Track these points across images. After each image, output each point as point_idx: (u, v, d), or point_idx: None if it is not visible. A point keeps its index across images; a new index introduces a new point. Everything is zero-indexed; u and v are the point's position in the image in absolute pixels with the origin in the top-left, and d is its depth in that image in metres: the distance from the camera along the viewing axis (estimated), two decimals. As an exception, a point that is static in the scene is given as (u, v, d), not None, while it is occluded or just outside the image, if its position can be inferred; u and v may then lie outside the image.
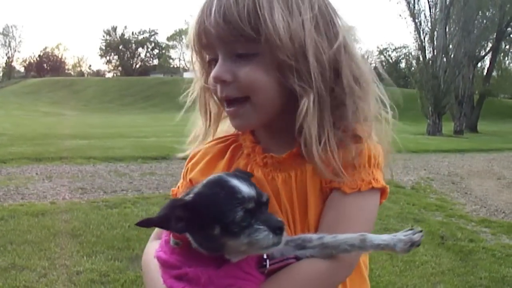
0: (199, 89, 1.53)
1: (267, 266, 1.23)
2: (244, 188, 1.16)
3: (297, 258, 1.26)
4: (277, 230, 1.14)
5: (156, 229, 1.50)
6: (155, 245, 1.37)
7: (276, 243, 1.14)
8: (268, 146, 1.45)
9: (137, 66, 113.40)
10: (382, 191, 1.40)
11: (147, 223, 1.15)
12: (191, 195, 1.18)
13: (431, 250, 6.52)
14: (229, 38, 1.29)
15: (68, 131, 20.98)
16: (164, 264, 1.24)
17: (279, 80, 1.32)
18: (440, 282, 5.48)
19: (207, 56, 1.43)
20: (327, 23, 1.36)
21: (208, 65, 1.44)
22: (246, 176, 1.23)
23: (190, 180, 1.48)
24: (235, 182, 1.17)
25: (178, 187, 1.56)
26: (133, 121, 34.13)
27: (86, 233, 6.51)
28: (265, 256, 1.23)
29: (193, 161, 1.53)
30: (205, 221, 1.14)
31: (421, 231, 1.20)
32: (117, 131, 22.71)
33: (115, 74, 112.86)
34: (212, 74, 1.35)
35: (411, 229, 1.21)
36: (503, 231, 7.75)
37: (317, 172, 1.34)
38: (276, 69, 1.31)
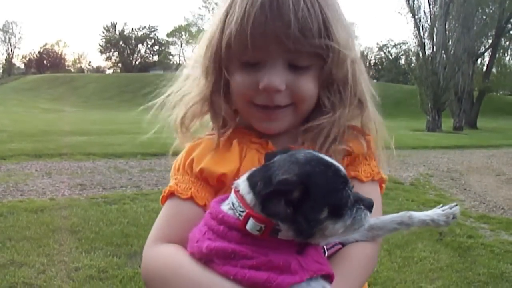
0: (206, 89, 1.44)
1: (326, 252, 1.22)
2: (341, 166, 1.11)
3: (342, 244, 1.28)
4: (371, 208, 1.13)
5: (157, 231, 1.33)
6: (166, 247, 1.26)
7: (368, 222, 1.15)
8: (275, 142, 1.43)
9: (137, 62, 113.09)
10: (381, 182, 1.47)
11: (270, 200, 1.01)
12: (291, 175, 1.03)
13: (429, 246, 6.51)
14: (297, 48, 1.27)
15: (67, 128, 20.96)
16: (231, 256, 1.07)
17: (319, 92, 1.38)
18: (438, 278, 5.48)
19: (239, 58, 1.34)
20: (351, 33, 1.42)
21: (240, 68, 1.35)
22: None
23: (201, 169, 1.37)
24: (331, 160, 1.11)
25: (177, 184, 1.39)
26: (133, 117, 34.01)
27: (85, 229, 6.51)
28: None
29: (196, 152, 1.43)
30: (316, 203, 1.03)
31: (456, 205, 1.27)
32: (117, 127, 22.67)
33: (115, 71, 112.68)
34: (267, 82, 1.30)
35: (444, 205, 1.28)
36: (502, 227, 7.75)
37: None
38: (319, 80, 1.35)
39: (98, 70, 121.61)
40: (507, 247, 6.67)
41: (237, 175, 1.28)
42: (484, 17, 39.96)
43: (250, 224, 1.05)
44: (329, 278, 1.11)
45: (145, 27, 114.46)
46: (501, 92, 62.69)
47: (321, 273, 1.08)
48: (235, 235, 1.08)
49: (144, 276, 1.28)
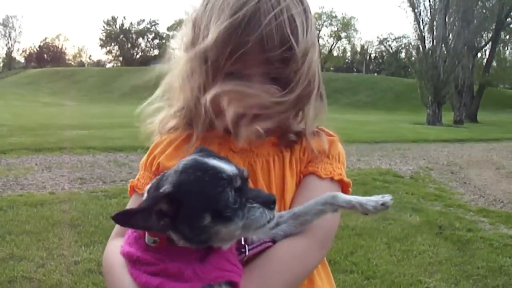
0: (190, 93, 1.44)
1: (247, 253, 1.20)
2: (226, 166, 1.08)
3: (274, 241, 1.26)
4: (271, 204, 1.09)
5: (117, 226, 1.38)
6: (117, 243, 1.31)
7: (272, 219, 1.10)
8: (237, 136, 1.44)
9: (138, 56, 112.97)
10: (344, 185, 1.47)
11: (123, 219, 1.05)
12: (166, 186, 1.05)
13: (429, 239, 6.52)
14: (273, 60, 1.30)
15: (68, 122, 20.93)
16: (136, 261, 1.14)
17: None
18: (437, 272, 5.48)
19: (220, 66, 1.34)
20: (314, 27, 1.43)
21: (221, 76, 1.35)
22: (215, 154, 1.16)
23: (157, 164, 1.46)
24: (214, 162, 1.09)
25: (138, 179, 1.48)
26: (133, 111, 33.90)
27: (85, 223, 6.51)
28: (243, 242, 1.20)
29: (159, 148, 1.51)
30: (192, 211, 1.03)
31: (391, 196, 1.21)
32: (117, 121, 22.64)
33: (115, 64, 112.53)
34: None
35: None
36: (501, 220, 7.75)
37: (297, 158, 1.45)
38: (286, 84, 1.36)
39: (99, 64, 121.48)
40: (506, 240, 6.67)
41: None
42: (484, 11, 39.86)
43: (147, 238, 1.12)
44: (235, 284, 1.11)
45: (145, 20, 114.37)
46: (501, 86, 62.60)
47: (219, 281, 1.08)
48: (142, 243, 1.14)
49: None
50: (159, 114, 1.59)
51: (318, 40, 1.48)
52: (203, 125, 1.45)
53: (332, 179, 1.42)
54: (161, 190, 1.05)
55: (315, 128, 1.49)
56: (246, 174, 1.12)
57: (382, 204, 1.20)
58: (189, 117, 1.50)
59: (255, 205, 1.07)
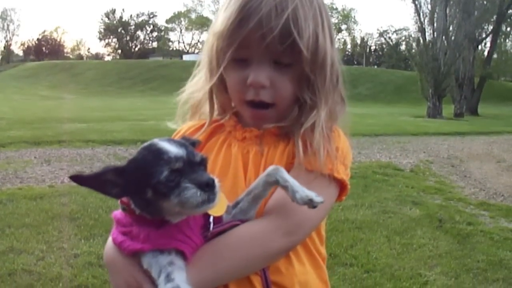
0: (213, 81, 1.54)
1: (211, 229, 1.29)
2: (172, 149, 1.18)
3: (243, 222, 1.33)
4: (205, 186, 1.15)
5: None
6: None
7: (207, 201, 1.15)
8: (248, 125, 1.54)
9: (136, 49, 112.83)
10: (343, 187, 1.47)
11: (79, 179, 1.19)
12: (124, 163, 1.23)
13: (429, 233, 6.52)
14: (277, 48, 1.36)
15: (67, 115, 20.90)
16: (117, 222, 1.32)
17: (296, 90, 1.46)
18: (437, 265, 5.49)
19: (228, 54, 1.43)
20: (332, 30, 1.50)
21: (233, 65, 1.46)
22: (184, 141, 1.26)
23: None
24: (164, 144, 1.20)
25: None
26: (132, 104, 33.98)
27: (84, 216, 6.53)
28: (211, 220, 1.29)
29: (179, 134, 1.64)
30: (137, 185, 1.17)
31: (322, 200, 1.25)
32: (116, 114, 22.66)
33: (114, 57, 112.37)
34: (252, 78, 1.41)
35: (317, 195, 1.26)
36: (501, 214, 7.75)
37: (290, 150, 1.47)
38: (298, 80, 1.45)
39: (97, 56, 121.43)
40: (506, 234, 6.67)
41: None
42: (485, 2, 39.64)
43: (120, 205, 1.29)
44: (184, 254, 1.22)
45: (144, 13, 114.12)
46: (502, 79, 62.45)
47: (166, 247, 1.20)
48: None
49: None
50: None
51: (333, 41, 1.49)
52: (212, 111, 1.59)
53: (321, 173, 1.40)
54: (112, 165, 1.24)
55: (329, 127, 1.47)
56: (198, 159, 1.20)
57: (310, 200, 1.24)
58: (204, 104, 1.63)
59: (188, 185, 1.14)
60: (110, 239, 1.35)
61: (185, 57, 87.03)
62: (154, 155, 1.18)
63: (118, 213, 1.33)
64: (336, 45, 1.53)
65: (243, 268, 1.32)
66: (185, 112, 1.69)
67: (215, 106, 1.60)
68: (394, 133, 18.60)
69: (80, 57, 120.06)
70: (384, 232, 6.42)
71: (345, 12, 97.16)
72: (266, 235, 1.32)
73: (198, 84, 1.62)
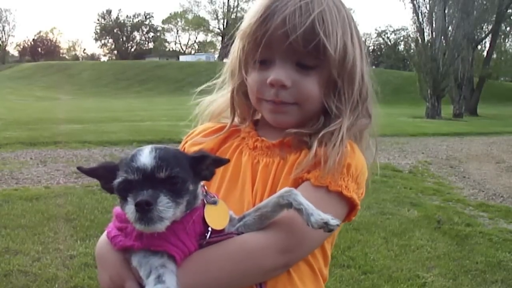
0: (235, 83, 1.56)
1: (207, 237, 1.25)
2: (142, 159, 1.16)
3: (239, 234, 1.30)
4: (138, 205, 1.11)
5: None
6: None
7: (140, 221, 1.13)
8: (264, 134, 1.54)
9: (132, 49, 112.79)
10: (353, 206, 1.41)
11: (82, 170, 1.26)
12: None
13: (427, 234, 6.50)
14: (300, 49, 1.36)
15: (62, 116, 20.89)
16: (116, 217, 1.31)
17: (322, 95, 1.45)
18: (435, 267, 5.46)
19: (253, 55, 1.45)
20: (362, 45, 1.51)
21: (254, 67, 1.47)
22: (174, 153, 1.23)
23: (183, 149, 1.58)
24: (142, 152, 1.19)
25: None
26: (128, 105, 33.97)
27: (80, 217, 6.52)
28: (209, 228, 1.26)
29: (192, 134, 1.64)
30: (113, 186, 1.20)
31: (338, 223, 1.21)
32: (112, 115, 22.64)
33: (110, 58, 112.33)
34: (273, 77, 1.40)
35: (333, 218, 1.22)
36: (501, 215, 7.74)
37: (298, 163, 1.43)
38: (325, 85, 1.44)
39: (93, 57, 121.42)
40: (505, 235, 6.66)
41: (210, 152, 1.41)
42: (484, 2, 39.61)
43: None
44: (174, 258, 1.20)
45: (140, 13, 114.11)
46: (501, 79, 62.46)
47: (157, 248, 1.17)
48: None
49: None
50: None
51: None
52: (233, 116, 1.60)
53: (327, 188, 1.35)
54: (114, 162, 1.26)
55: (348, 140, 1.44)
56: (161, 175, 1.15)
57: (325, 223, 1.19)
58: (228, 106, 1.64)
59: (129, 199, 1.14)
60: (104, 233, 1.35)
61: (182, 58, 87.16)
62: (128, 160, 1.19)
63: (118, 208, 1.31)
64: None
65: (234, 281, 1.28)
66: (204, 118, 1.68)
67: (237, 112, 1.60)
68: (393, 134, 18.59)
69: (76, 57, 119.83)
70: (382, 233, 6.39)
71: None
72: (260, 251, 1.28)
73: (219, 92, 1.64)
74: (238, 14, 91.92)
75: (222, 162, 1.32)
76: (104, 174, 1.24)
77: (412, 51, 41.53)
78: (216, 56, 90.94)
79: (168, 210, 1.13)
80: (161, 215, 1.13)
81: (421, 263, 5.54)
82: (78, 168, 1.27)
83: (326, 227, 1.20)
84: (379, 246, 5.98)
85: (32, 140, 12.97)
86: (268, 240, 1.28)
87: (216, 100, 1.64)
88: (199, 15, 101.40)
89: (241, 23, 1.48)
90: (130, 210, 1.13)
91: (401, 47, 71.56)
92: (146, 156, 1.17)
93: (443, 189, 9.56)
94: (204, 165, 1.27)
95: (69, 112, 24.94)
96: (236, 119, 1.61)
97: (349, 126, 1.43)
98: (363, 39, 1.55)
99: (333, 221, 1.20)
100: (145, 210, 1.11)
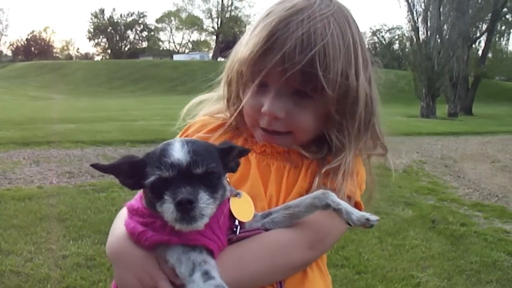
0: (232, 93, 1.57)
1: (237, 233, 1.27)
2: (175, 154, 1.13)
3: (266, 230, 1.33)
4: (179, 205, 1.09)
5: None
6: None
7: (181, 220, 1.11)
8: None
9: (126, 48, 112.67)
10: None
11: (99, 167, 1.20)
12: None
13: (421, 234, 6.49)
14: (297, 86, 1.37)
15: (56, 115, 20.83)
16: (133, 211, 1.26)
17: (321, 126, 1.47)
18: (429, 267, 5.45)
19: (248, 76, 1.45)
20: (369, 66, 1.49)
21: (250, 83, 1.46)
22: (206, 146, 1.22)
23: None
24: (173, 146, 1.16)
25: None
26: (122, 104, 33.91)
27: (73, 217, 6.49)
28: (237, 223, 1.27)
29: (192, 129, 1.61)
30: (141, 178, 1.16)
31: (377, 219, 1.27)
32: (106, 114, 22.57)
33: (104, 57, 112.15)
34: (267, 108, 1.40)
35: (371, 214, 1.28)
36: (495, 215, 7.73)
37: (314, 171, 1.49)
38: (323, 117, 1.44)
39: (87, 56, 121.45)
40: (500, 235, 6.66)
41: None
42: (479, 1, 39.69)
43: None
44: (211, 252, 1.19)
45: (134, 12, 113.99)
46: (497, 78, 62.60)
47: (195, 243, 1.16)
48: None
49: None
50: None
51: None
52: (236, 118, 1.58)
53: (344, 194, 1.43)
54: (137, 157, 1.21)
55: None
56: (197, 171, 1.13)
57: (367, 219, 1.25)
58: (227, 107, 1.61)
59: (167, 198, 1.11)
60: (119, 231, 1.29)
61: (176, 57, 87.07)
62: (158, 155, 1.15)
63: (134, 203, 1.28)
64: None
65: (266, 276, 1.31)
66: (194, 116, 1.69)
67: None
68: (387, 133, 18.53)
69: (69, 57, 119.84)
70: (376, 233, 6.37)
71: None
72: (290, 246, 1.32)
73: (213, 98, 1.66)
74: (232, 13, 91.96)
75: (246, 152, 1.33)
76: (127, 170, 1.20)
77: (407, 50, 41.60)
78: (210, 55, 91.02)
79: (208, 207, 1.13)
80: (202, 212, 1.12)
81: (415, 263, 5.53)
82: (94, 165, 1.20)
83: (368, 222, 1.25)
84: (373, 245, 5.96)
85: (25, 140, 12.88)
86: (299, 236, 1.33)
87: (210, 100, 1.67)
88: (193, 14, 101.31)
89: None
90: (168, 209, 1.10)
91: (396, 46, 71.77)
92: (179, 151, 1.14)
93: (437, 188, 9.56)
94: (231, 156, 1.27)
95: (63, 111, 24.88)
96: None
97: (353, 157, 1.47)
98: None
99: (373, 217, 1.26)
100: (187, 209, 1.09)
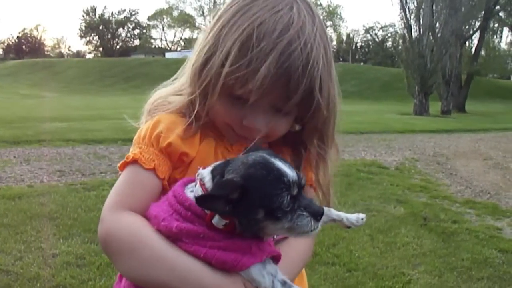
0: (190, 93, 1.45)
1: (275, 236, 1.31)
2: (289, 172, 1.16)
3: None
4: (318, 216, 1.17)
5: (118, 197, 1.33)
6: (130, 217, 1.27)
7: (315, 229, 1.17)
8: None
9: (118, 46, 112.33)
10: None
11: (206, 203, 1.14)
12: (235, 176, 1.14)
13: (413, 231, 6.49)
14: (296, 101, 1.34)
15: (47, 114, 20.68)
16: (199, 237, 1.18)
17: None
18: (421, 264, 5.45)
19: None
20: (333, 61, 1.47)
21: (227, 96, 1.37)
22: (280, 157, 1.22)
23: (169, 143, 1.37)
24: (280, 165, 1.17)
25: (142, 154, 1.36)
26: (114, 102, 33.72)
27: (63, 216, 6.45)
28: None
29: (162, 125, 1.41)
30: (251, 204, 1.12)
31: (363, 217, 1.52)
32: (97, 113, 22.51)
33: (95, 55, 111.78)
34: (251, 124, 1.37)
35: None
36: (487, 212, 7.74)
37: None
38: (308, 133, 1.48)
39: (78, 54, 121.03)
40: (492, 232, 6.66)
41: (195, 157, 1.40)
42: (473, -2, 39.78)
43: (216, 220, 1.17)
44: (275, 259, 1.23)
45: (125, 10, 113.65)
46: (490, 76, 62.87)
47: (273, 254, 1.22)
48: (203, 222, 1.19)
49: (106, 240, 1.28)
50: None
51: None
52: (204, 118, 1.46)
53: (311, 185, 1.56)
54: (234, 180, 1.13)
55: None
56: (303, 182, 1.19)
57: (362, 219, 1.49)
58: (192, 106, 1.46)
59: (305, 213, 1.16)
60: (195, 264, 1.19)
61: (168, 55, 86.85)
62: (274, 176, 1.15)
63: (189, 227, 1.19)
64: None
65: (295, 276, 1.40)
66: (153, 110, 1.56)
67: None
68: (380, 130, 18.62)
69: (60, 55, 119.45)
70: (367, 230, 6.36)
71: (331, 8, 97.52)
72: (309, 249, 1.49)
73: (176, 88, 1.56)
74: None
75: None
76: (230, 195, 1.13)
77: (399, 47, 41.61)
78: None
79: None
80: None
81: (406, 260, 5.52)
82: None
83: (362, 221, 1.50)
84: (364, 243, 5.95)
85: (15, 139, 12.82)
86: (310, 241, 1.50)
87: (169, 93, 1.58)
88: (185, 12, 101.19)
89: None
90: (307, 222, 1.16)
91: (389, 43, 71.82)
92: (286, 167, 1.17)
93: (430, 186, 9.56)
94: None
95: (54, 110, 24.71)
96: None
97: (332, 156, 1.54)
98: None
99: (363, 215, 1.51)
100: (321, 219, 1.19)
